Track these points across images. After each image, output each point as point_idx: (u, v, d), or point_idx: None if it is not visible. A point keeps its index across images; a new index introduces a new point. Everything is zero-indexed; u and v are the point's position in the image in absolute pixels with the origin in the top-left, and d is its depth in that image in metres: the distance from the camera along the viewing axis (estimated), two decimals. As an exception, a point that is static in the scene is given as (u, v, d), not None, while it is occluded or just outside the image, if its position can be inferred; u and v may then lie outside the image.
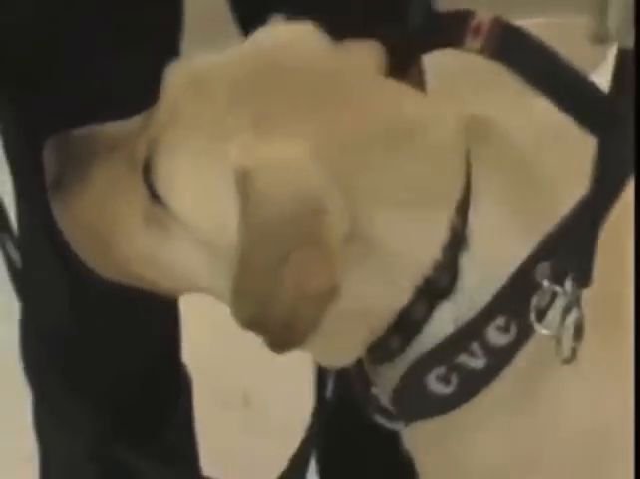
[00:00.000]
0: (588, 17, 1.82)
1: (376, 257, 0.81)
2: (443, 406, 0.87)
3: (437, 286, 0.83)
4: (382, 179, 0.80)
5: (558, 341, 0.82)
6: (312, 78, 0.83)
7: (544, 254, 0.83)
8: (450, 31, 0.89)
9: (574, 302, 0.82)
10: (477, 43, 0.87)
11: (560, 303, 0.82)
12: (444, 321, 0.84)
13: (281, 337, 0.79)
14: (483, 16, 0.87)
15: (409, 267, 0.82)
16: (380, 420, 0.93)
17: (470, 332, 0.84)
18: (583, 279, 0.82)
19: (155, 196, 0.83)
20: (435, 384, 0.86)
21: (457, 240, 0.82)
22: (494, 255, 0.84)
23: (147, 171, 0.83)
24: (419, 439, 0.96)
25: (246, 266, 0.77)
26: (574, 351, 0.82)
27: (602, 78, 0.90)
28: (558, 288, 0.82)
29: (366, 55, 0.86)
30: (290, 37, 0.86)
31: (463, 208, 0.83)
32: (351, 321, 0.84)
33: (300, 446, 1.11)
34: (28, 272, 1.19)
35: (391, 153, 0.81)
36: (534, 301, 0.83)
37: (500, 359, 0.85)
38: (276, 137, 0.78)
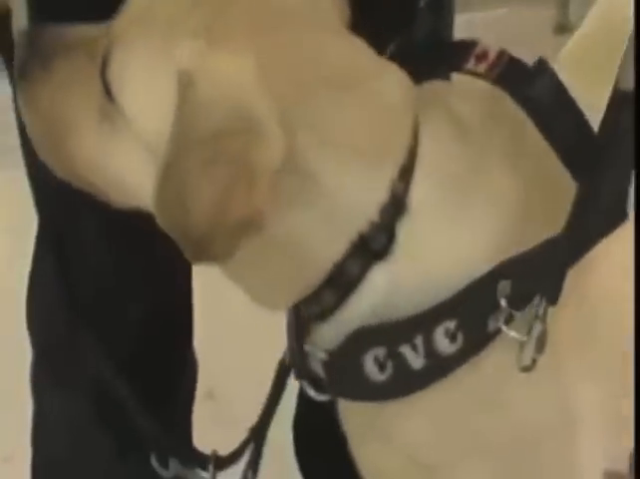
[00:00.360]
0: (551, 9, 1.86)
1: (313, 198, 0.80)
2: (373, 393, 0.87)
3: (372, 246, 0.82)
4: (325, 118, 0.79)
5: (521, 348, 0.81)
6: (278, 4, 0.82)
7: (508, 272, 0.82)
8: (453, 59, 0.91)
9: (540, 318, 0.82)
10: (480, 68, 0.89)
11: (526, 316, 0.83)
12: (378, 283, 0.83)
13: (196, 249, 0.77)
14: (489, 45, 0.89)
15: (345, 219, 0.81)
16: (305, 387, 0.93)
17: (417, 323, 0.83)
18: (549, 299, 0.82)
19: (108, 92, 0.84)
20: (371, 366, 0.85)
21: (396, 205, 0.82)
22: (433, 228, 0.83)
23: (104, 66, 0.84)
24: (348, 411, 0.94)
25: (170, 171, 0.75)
26: (534, 361, 0.82)
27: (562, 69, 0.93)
28: (516, 312, 0.82)
29: (332, 5, 0.86)
30: None
31: (407, 173, 0.82)
32: (282, 261, 0.83)
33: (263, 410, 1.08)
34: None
35: (336, 94, 0.80)
36: (490, 321, 0.83)
37: (440, 368, 0.84)
38: (225, 48, 0.77)
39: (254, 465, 1.07)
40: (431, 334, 0.83)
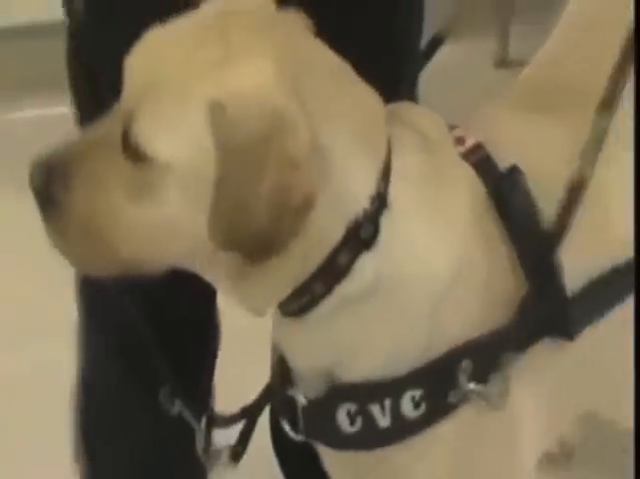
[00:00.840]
0: (492, 42, 1.96)
1: (328, 179, 0.86)
2: (342, 442, 0.99)
3: (362, 234, 0.89)
4: (330, 109, 0.88)
5: (485, 398, 0.94)
6: (262, 20, 0.90)
7: (469, 352, 0.94)
8: None
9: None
10: (458, 149, 0.99)
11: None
12: (365, 272, 0.90)
13: (262, 247, 0.84)
14: (464, 131, 1.01)
15: (347, 203, 0.89)
16: (286, 427, 1.03)
17: (388, 387, 0.94)
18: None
19: (137, 157, 0.86)
20: (343, 418, 0.95)
21: (380, 199, 0.90)
22: (409, 220, 0.93)
23: (126, 139, 0.86)
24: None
25: (224, 185, 0.82)
26: (502, 403, 0.95)
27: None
28: (475, 388, 0.94)
29: (299, 18, 0.94)
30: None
31: (386, 173, 0.91)
32: (292, 250, 0.87)
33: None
34: None
35: (337, 92, 0.90)
36: (451, 394, 0.94)
37: (403, 430, 0.95)
38: (241, 68, 0.84)
39: (244, 441, 1.12)
40: (398, 399, 0.93)
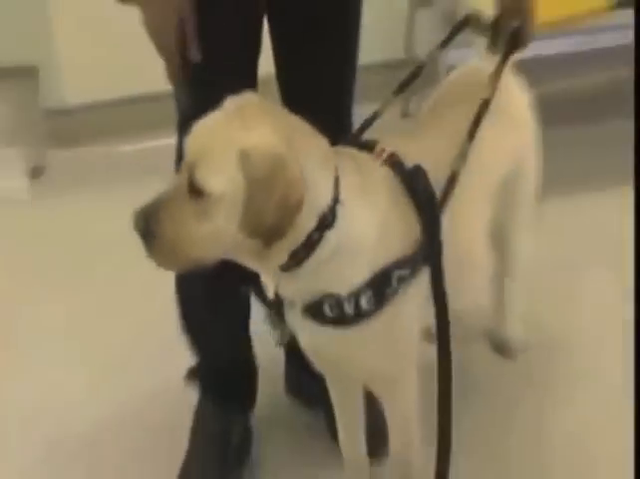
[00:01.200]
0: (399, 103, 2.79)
1: (307, 190, 1.42)
2: (325, 322, 1.56)
3: (326, 221, 1.47)
4: (304, 148, 1.45)
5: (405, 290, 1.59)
6: (261, 105, 1.48)
7: (397, 267, 1.55)
8: (364, 149, 1.64)
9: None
10: (379, 159, 1.61)
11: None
12: (330, 242, 1.49)
13: (274, 235, 1.42)
14: (384, 147, 1.63)
15: (318, 203, 1.46)
16: (270, 324, 1.67)
17: (353, 293, 1.53)
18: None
19: (198, 194, 1.41)
20: (327, 308, 1.55)
21: (336, 199, 1.48)
22: (352, 209, 1.51)
23: (191, 183, 1.42)
24: (308, 343, 1.67)
25: (250, 203, 1.40)
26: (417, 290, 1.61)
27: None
28: (399, 286, 1.56)
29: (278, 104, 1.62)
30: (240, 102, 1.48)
31: (336, 184, 1.49)
32: (292, 232, 1.45)
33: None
34: None
35: (310, 143, 1.48)
36: (387, 294, 1.55)
37: (360, 315, 1.55)
38: (259, 132, 1.41)
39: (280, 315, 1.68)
40: (359, 298, 1.53)
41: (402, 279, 1.56)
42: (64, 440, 2.13)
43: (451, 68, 2.42)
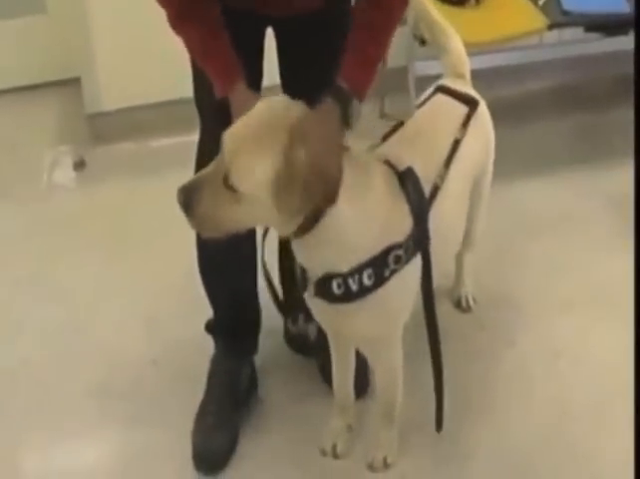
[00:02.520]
0: (376, 102, 3.56)
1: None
2: (333, 299, 1.84)
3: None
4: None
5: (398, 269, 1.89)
6: (281, 111, 1.73)
7: (394, 249, 1.81)
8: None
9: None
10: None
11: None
12: (331, 218, 1.75)
13: (297, 212, 1.71)
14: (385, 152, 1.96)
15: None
16: (304, 291, 1.94)
17: (356, 270, 1.80)
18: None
19: (232, 189, 1.66)
20: (335, 286, 1.83)
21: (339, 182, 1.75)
22: (349, 202, 1.77)
23: (226, 180, 1.67)
24: (318, 312, 2.01)
25: (277, 194, 1.66)
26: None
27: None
28: (396, 266, 1.83)
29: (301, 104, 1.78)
30: (272, 106, 1.74)
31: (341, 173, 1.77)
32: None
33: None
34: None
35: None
36: (385, 272, 1.82)
37: (363, 291, 1.82)
38: (276, 138, 1.66)
39: (308, 316, 2.11)
40: (361, 275, 1.80)
41: (398, 259, 1.83)
42: (111, 382, 2.51)
43: (419, 79, 3.11)
